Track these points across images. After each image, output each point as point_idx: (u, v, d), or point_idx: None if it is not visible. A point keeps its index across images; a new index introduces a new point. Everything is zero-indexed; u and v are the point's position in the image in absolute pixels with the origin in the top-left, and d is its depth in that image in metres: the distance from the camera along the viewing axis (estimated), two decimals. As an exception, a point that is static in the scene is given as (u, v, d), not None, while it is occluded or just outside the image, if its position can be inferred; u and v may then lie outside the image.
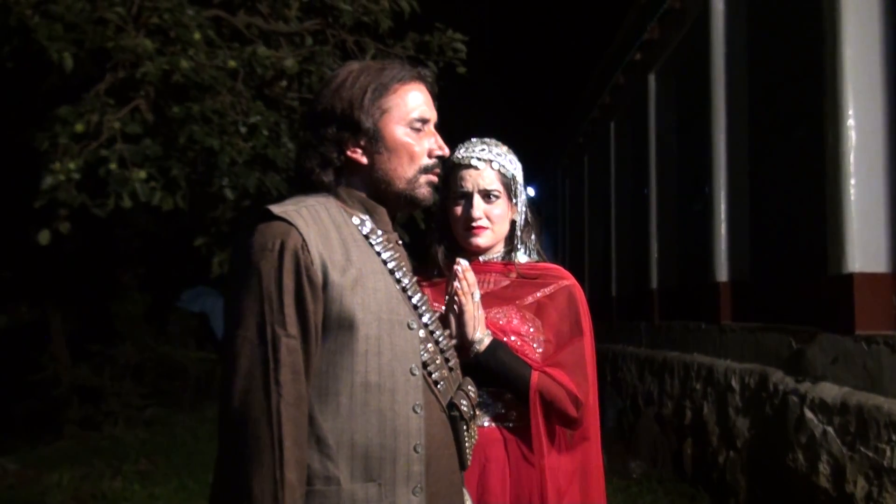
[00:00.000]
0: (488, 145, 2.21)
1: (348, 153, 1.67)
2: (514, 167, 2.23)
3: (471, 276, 2.03)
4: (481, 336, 2.03)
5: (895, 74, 4.45)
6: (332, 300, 1.52)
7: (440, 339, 1.70)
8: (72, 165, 4.53)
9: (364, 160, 1.67)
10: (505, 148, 2.24)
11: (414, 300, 1.66)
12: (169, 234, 10.11)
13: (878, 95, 4.45)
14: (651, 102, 9.12)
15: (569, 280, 2.21)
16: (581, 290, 2.23)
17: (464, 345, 2.00)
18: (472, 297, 2.02)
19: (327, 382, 1.52)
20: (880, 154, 4.42)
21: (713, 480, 5.90)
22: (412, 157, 1.68)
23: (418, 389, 1.58)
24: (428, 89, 1.74)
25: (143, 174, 4.69)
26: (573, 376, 2.08)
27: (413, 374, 1.58)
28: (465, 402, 1.68)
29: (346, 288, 1.53)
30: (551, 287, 2.18)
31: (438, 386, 1.64)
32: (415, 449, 1.55)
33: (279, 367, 1.46)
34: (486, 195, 2.17)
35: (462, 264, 2.04)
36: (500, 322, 2.12)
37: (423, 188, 1.70)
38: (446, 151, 1.73)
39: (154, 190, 4.76)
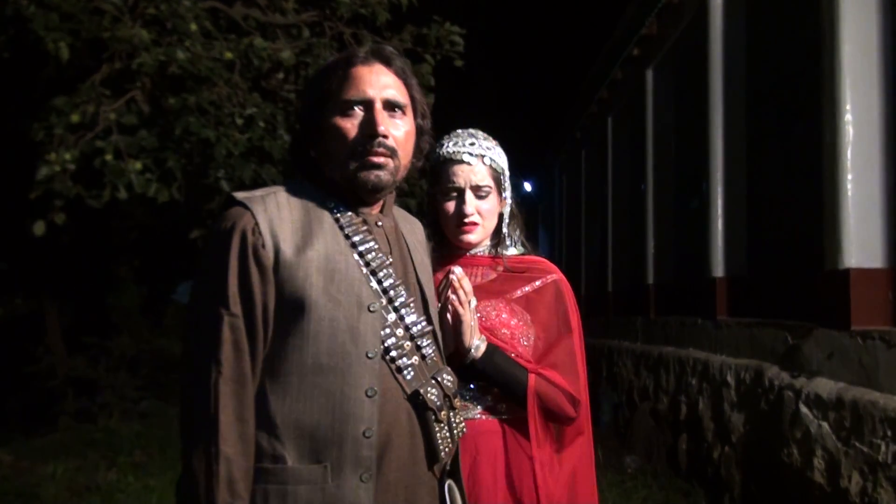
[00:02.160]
0: (477, 139, 2.18)
1: (307, 146, 1.71)
2: (503, 160, 2.21)
3: (466, 284, 2.02)
4: (478, 342, 2.02)
5: (893, 70, 4.44)
6: (284, 281, 1.53)
7: (414, 325, 1.66)
8: (67, 156, 4.52)
9: (316, 151, 1.69)
10: (492, 140, 2.22)
11: (385, 284, 1.63)
12: (165, 226, 10.09)
13: (876, 91, 4.44)
14: (649, 98, 9.11)
15: (556, 274, 2.21)
16: (568, 284, 2.22)
17: (460, 351, 2.00)
18: (469, 305, 2.01)
19: (280, 362, 1.53)
20: (877, 150, 4.42)
21: (708, 475, 5.91)
22: (343, 141, 1.63)
23: (374, 374, 1.55)
24: (387, 67, 1.69)
25: (138, 165, 4.69)
26: (567, 376, 2.09)
27: (369, 358, 1.55)
28: (434, 392, 1.62)
29: (298, 269, 1.53)
30: (539, 281, 2.18)
31: (404, 373, 1.60)
32: (364, 434, 1.52)
33: (220, 344, 1.48)
34: (478, 190, 2.14)
35: (456, 272, 2.03)
36: (491, 316, 2.12)
37: (361, 171, 1.63)
38: (379, 129, 1.62)
39: (150, 181, 4.76)
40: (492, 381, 2.04)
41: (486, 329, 2.08)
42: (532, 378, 2.04)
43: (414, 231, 1.87)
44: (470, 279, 2.15)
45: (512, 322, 2.11)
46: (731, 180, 6.57)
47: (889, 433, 3.71)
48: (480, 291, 2.14)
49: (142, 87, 4.94)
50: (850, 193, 4.39)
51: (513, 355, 2.08)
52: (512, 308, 2.13)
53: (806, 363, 4.70)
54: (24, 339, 10.79)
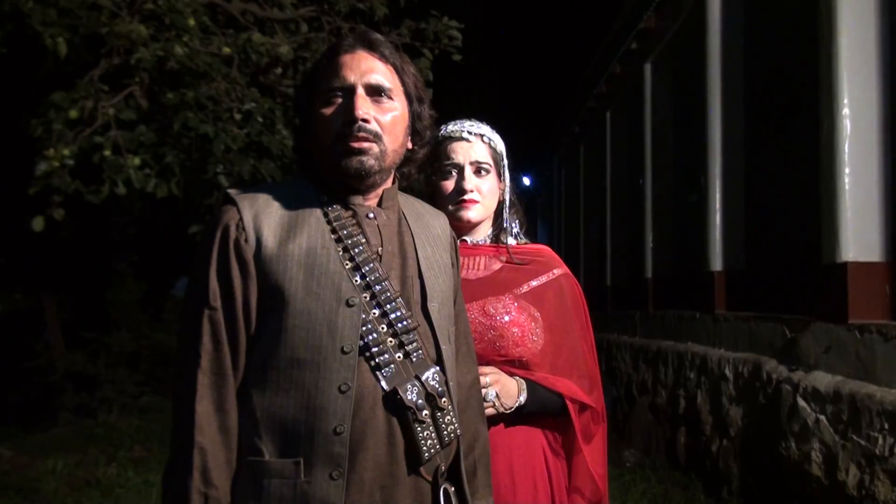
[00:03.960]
0: (477, 122, 2.21)
1: (305, 139, 1.70)
2: (502, 145, 2.23)
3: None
4: (521, 393, 2.03)
5: (890, 64, 4.45)
6: (265, 275, 1.54)
7: (399, 322, 1.61)
8: (66, 152, 4.52)
9: (310, 143, 1.69)
10: (493, 130, 2.24)
11: (369, 279, 1.59)
12: (163, 222, 10.10)
13: (874, 85, 4.45)
14: (647, 92, 9.11)
15: (560, 268, 2.21)
16: (572, 279, 2.22)
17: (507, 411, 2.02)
18: (488, 396, 1.99)
19: (262, 356, 1.54)
20: (875, 144, 4.43)
21: (706, 469, 5.93)
22: (326, 129, 1.62)
23: (350, 369, 1.52)
24: (370, 52, 1.66)
25: (137, 161, 4.68)
26: (580, 380, 2.13)
27: (344, 353, 1.52)
28: (414, 391, 1.56)
29: (279, 263, 1.54)
30: (544, 276, 2.17)
31: (383, 370, 1.55)
32: (335, 430, 1.49)
33: (200, 337, 1.51)
34: (477, 169, 2.15)
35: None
36: (500, 313, 2.09)
37: (343, 158, 1.60)
38: (358, 114, 1.59)
39: (148, 177, 4.76)
40: (537, 413, 2.07)
41: (495, 328, 2.06)
42: (565, 397, 2.08)
43: (429, 225, 1.81)
44: (473, 269, 2.16)
45: (521, 318, 2.09)
46: (729, 174, 6.57)
47: (886, 426, 3.72)
48: (485, 284, 2.13)
49: (140, 83, 4.93)
50: (847, 187, 4.40)
51: (524, 359, 2.07)
52: (520, 304, 2.11)
53: (804, 357, 4.71)
54: (23, 335, 10.82)
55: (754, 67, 6.43)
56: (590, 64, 12.05)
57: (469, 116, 2.23)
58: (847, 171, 4.40)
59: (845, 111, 4.42)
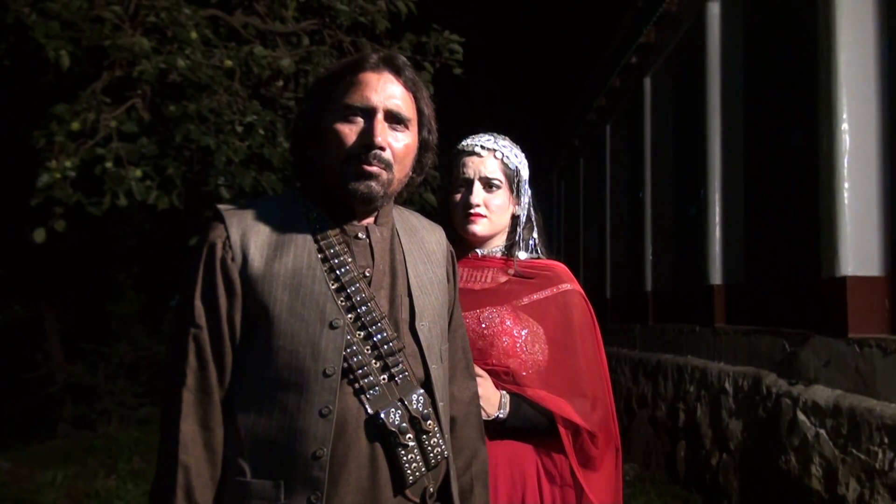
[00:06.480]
0: (495, 137, 2.22)
1: (307, 149, 1.68)
2: (519, 161, 2.23)
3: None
4: (501, 408, 2.02)
5: (889, 79, 4.47)
6: (251, 295, 1.53)
7: (384, 344, 1.58)
8: (68, 163, 4.53)
9: (314, 154, 1.66)
10: (516, 146, 2.25)
11: (354, 300, 1.57)
12: (164, 233, 10.10)
13: (873, 100, 4.47)
14: (647, 106, 9.14)
15: (568, 284, 2.20)
16: (581, 297, 2.21)
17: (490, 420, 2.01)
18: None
19: (246, 376, 1.54)
20: (874, 158, 4.45)
21: (706, 482, 5.92)
22: (339, 147, 1.58)
23: (332, 393, 1.50)
24: (396, 76, 1.64)
25: (138, 173, 4.69)
26: (579, 400, 2.10)
27: (326, 376, 1.50)
28: (396, 414, 1.53)
29: (264, 283, 1.53)
30: (548, 290, 2.17)
31: (367, 393, 1.53)
32: (314, 455, 1.48)
33: (185, 355, 1.52)
34: (487, 184, 2.16)
35: None
36: (494, 323, 2.10)
37: (353, 180, 1.57)
38: (376, 140, 1.57)
39: (150, 189, 4.77)
40: (525, 430, 2.05)
41: (485, 338, 2.07)
42: (557, 419, 2.05)
43: (424, 240, 1.78)
44: (480, 281, 2.17)
45: (514, 331, 2.09)
46: (728, 188, 6.59)
47: (886, 440, 3.72)
48: (487, 295, 2.14)
49: (142, 95, 4.95)
50: (846, 201, 4.41)
51: (518, 372, 2.07)
52: (517, 315, 2.12)
53: (803, 370, 4.71)
54: (22, 346, 10.79)
55: (754, 82, 6.45)
56: (590, 77, 12.09)
57: (468, 132, 2.25)
58: (846, 185, 4.42)
59: (844, 126, 4.44)
